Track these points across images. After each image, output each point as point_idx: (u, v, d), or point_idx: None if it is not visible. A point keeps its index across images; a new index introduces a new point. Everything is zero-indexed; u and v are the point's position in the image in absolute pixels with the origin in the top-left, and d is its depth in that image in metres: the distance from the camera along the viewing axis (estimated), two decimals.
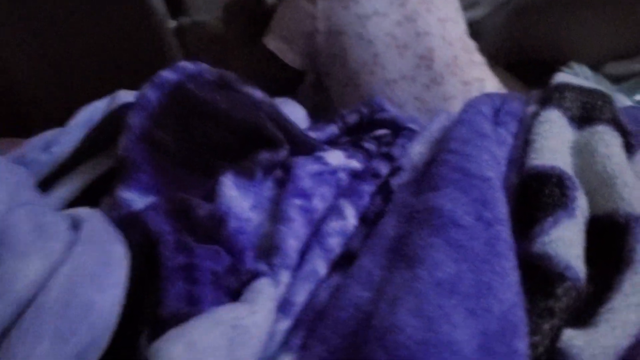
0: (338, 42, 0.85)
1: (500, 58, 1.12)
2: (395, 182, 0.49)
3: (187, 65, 0.53)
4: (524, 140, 0.49)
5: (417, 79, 0.85)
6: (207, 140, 0.51)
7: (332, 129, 0.60)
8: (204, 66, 0.54)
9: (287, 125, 0.54)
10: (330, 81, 0.90)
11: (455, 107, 0.78)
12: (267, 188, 0.49)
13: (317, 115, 0.70)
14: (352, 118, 0.63)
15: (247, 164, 0.48)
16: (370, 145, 0.58)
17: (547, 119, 0.49)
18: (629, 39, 1.15)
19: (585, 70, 1.14)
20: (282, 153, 0.51)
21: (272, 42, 0.90)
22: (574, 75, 1.01)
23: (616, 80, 1.17)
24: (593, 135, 0.48)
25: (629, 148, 0.48)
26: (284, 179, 0.50)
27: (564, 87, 0.53)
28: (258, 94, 0.55)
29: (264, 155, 0.49)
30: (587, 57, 1.17)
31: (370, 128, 0.64)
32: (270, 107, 0.54)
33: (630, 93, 1.10)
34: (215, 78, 0.54)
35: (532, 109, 0.53)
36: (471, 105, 0.53)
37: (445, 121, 0.56)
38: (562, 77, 0.56)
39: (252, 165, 0.48)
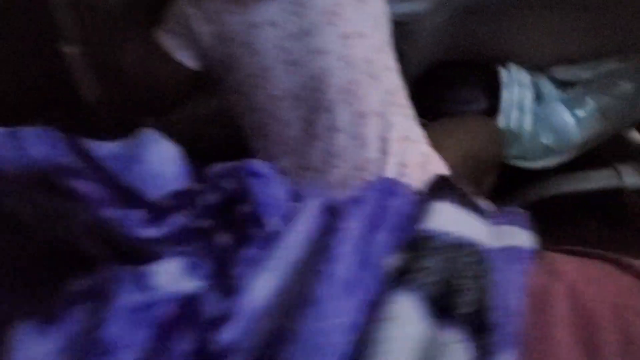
0: (226, 49, 0.77)
1: (439, 55, 1.04)
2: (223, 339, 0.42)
3: None
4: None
5: (305, 101, 0.76)
6: (8, 262, 0.43)
7: (178, 220, 0.52)
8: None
9: (113, 231, 0.46)
10: (222, 87, 0.81)
11: (341, 141, 0.75)
12: (77, 321, 0.43)
13: None
14: (210, 199, 0.55)
15: (48, 305, 0.41)
16: (226, 240, 0.51)
17: (395, 315, 0.43)
18: (575, 44, 1.06)
19: (523, 75, 1.07)
20: (102, 273, 0.44)
21: (164, 37, 0.80)
22: (510, 78, 0.94)
23: (562, 85, 1.09)
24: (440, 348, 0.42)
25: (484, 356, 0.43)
26: (98, 309, 0.43)
27: (425, 250, 0.47)
28: (83, 186, 0.47)
29: (75, 285, 0.42)
30: (532, 60, 1.10)
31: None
32: (94, 212, 0.46)
33: (573, 104, 1.04)
34: (32, 175, 0.45)
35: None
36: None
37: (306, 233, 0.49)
38: (433, 222, 0.50)
39: (54, 307, 0.41)
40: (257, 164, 0.55)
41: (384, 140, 0.76)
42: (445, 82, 1.06)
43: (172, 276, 0.46)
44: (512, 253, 0.50)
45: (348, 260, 0.46)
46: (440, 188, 0.55)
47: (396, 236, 0.49)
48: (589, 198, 1.16)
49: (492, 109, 1.05)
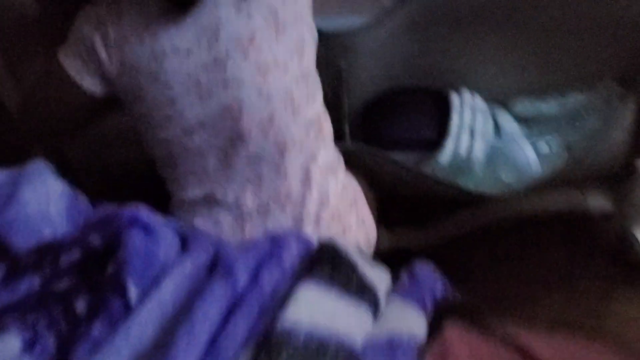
0: (132, 78, 0.71)
1: (387, 79, 0.96)
2: None
3: None
4: None
5: (220, 132, 0.72)
6: None
7: (34, 281, 0.45)
8: None
9: None
10: (131, 116, 0.74)
11: (260, 172, 0.73)
12: None
13: None
14: (74, 255, 0.47)
15: None
16: (81, 307, 0.44)
17: None
18: (537, 74, 0.99)
19: (478, 101, 0.99)
20: None
21: (66, 58, 0.71)
22: (461, 101, 0.87)
23: (524, 120, 1.02)
24: None
25: None
26: None
27: (280, 354, 0.39)
28: None
29: None
30: (490, 90, 1.03)
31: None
32: None
33: (536, 139, 0.97)
34: None
35: None
36: None
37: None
38: (297, 313, 0.43)
39: None
40: (140, 212, 0.48)
41: (306, 171, 0.75)
42: (394, 108, 0.99)
43: (7, 357, 0.39)
44: (393, 347, 0.43)
45: (195, 350, 0.39)
46: (320, 261, 0.48)
47: (256, 324, 0.43)
48: (553, 222, 1.09)
49: (442, 136, 0.97)
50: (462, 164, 0.97)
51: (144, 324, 0.41)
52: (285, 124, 0.72)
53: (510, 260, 1.09)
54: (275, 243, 0.51)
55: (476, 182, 1.01)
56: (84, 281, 0.47)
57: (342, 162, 0.80)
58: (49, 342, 0.41)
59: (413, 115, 0.99)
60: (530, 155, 0.96)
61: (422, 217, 1.13)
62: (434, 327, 0.47)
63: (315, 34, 0.76)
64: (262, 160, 0.73)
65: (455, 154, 0.96)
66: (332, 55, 0.91)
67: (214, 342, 0.41)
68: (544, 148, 0.97)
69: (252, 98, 0.70)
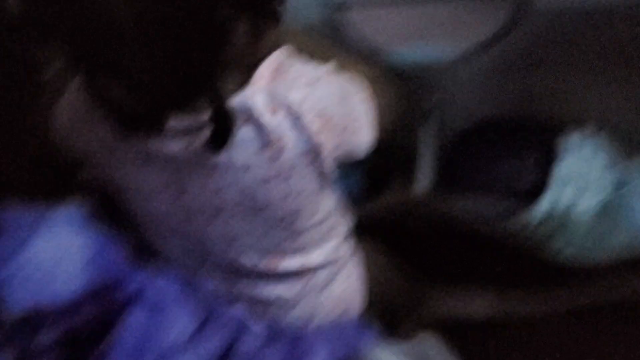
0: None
1: (481, 113, 0.86)
2: None
3: None
4: None
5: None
6: None
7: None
8: None
9: None
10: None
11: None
12: None
13: None
14: (50, 334, 0.43)
15: None
16: None
17: None
18: None
19: (592, 145, 0.85)
20: None
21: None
22: (571, 145, 0.76)
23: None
24: None
25: None
26: None
27: None
28: None
29: None
30: (612, 133, 0.87)
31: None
32: None
33: None
34: None
35: None
36: None
37: None
38: None
39: None
40: (150, 286, 0.44)
41: None
42: (486, 150, 0.87)
43: None
44: None
45: None
46: None
47: None
48: None
49: (544, 184, 0.84)
50: (560, 222, 0.83)
51: None
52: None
53: None
54: (298, 347, 0.44)
55: (577, 244, 0.86)
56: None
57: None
58: None
59: (509, 161, 0.87)
60: None
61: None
62: None
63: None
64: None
65: (552, 210, 0.82)
66: (419, 91, 0.83)
67: None
68: None
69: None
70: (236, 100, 0.50)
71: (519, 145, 0.87)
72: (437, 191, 0.91)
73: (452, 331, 1.01)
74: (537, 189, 0.84)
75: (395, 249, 1.04)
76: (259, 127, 0.50)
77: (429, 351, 0.55)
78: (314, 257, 0.62)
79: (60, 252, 0.46)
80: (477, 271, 1.05)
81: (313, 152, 0.52)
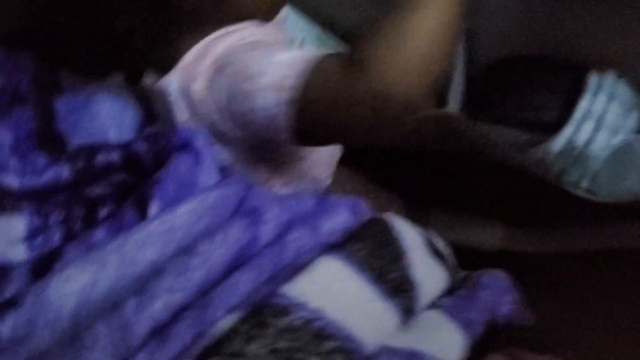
0: None
1: (516, 44, 0.87)
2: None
3: None
4: None
5: None
6: None
7: (56, 172, 0.46)
8: None
9: None
10: None
11: None
12: None
13: None
14: (106, 157, 0.49)
15: None
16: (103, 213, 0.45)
17: None
18: None
19: (621, 88, 0.87)
20: None
21: None
22: (598, 85, 0.78)
23: None
24: None
25: None
26: None
27: (264, 330, 0.35)
28: None
29: None
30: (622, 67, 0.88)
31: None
32: None
33: None
34: None
35: None
36: None
37: None
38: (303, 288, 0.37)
39: None
40: (196, 137, 0.48)
41: None
42: (514, 80, 0.89)
43: (5, 239, 0.42)
44: None
45: (181, 293, 0.38)
46: (359, 237, 0.43)
47: (261, 288, 0.39)
48: None
49: (564, 122, 0.86)
50: (576, 156, 0.86)
51: (141, 244, 0.40)
52: None
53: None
54: (321, 205, 0.48)
55: (593, 180, 0.89)
56: (117, 189, 0.48)
57: None
58: (54, 238, 0.41)
59: (535, 90, 0.89)
60: None
61: (534, 216, 1.04)
62: (477, 353, 0.42)
63: None
64: None
65: (571, 143, 0.85)
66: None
67: (207, 291, 0.38)
68: None
69: None
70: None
71: (546, 80, 0.89)
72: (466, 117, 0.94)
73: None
74: (561, 124, 0.86)
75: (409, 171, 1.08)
76: None
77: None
78: None
79: (115, 109, 0.51)
80: (492, 200, 1.08)
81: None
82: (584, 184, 0.90)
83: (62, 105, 0.52)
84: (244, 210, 0.44)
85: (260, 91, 0.49)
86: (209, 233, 0.41)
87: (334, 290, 0.38)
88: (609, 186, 0.88)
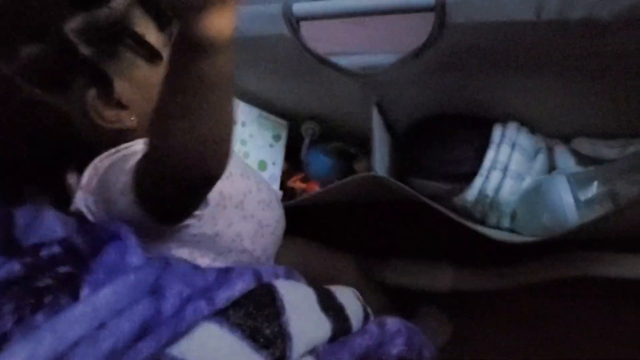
0: None
1: (428, 108, 0.99)
2: None
3: None
4: None
5: None
6: None
7: (9, 268, 0.55)
8: None
9: None
10: None
11: None
12: None
13: None
14: (49, 251, 0.60)
15: None
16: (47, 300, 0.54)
17: None
18: (600, 120, 0.93)
19: (523, 137, 0.97)
20: None
21: None
22: (502, 137, 0.87)
23: (587, 160, 0.97)
24: None
25: None
26: None
27: None
28: None
29: None
30: (544, 127, 0.99)
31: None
32: None
33: (581, 183, 0.92)
34: None
35: None
36: None
37: None
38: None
39: None
40: (123, 229, 0.59)
41: None
42: (436, 139, 0.99)
43: None
44: None
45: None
46: (239, 302, 0.53)
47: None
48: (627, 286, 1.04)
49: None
50: (490, 202, 0.96)
51: (71, 322, 0.48)
52: None
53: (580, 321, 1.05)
54: (221, 278, 0.57)
55: (513, 221, 0.99)
56: (61, 279, 0.59)
57: None
58: (7, 324, 0.48)
59: (451, 145, 0.99)
60: (566, 199, 0.91)
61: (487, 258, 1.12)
62: None
63: None
64: None
65: (482, 192, 0.95)
66: (364, 91, 0.96)
67: (116, 357, 0.47)
68: (585, 194, 0.92)
69: None
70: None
71: (460, 135, 1.00)
72: (393, 174, 1.05)
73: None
74: (476, 173, 0.97)
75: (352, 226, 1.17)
76: None
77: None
78: None
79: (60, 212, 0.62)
80: (435, 245, 1.17)
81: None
82: (505, 224, 0.99)
83: (21, 216, 0.64)
84: (153, 287, 0.54)
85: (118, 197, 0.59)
86: (120, 310, 0.51)
87: (209, 347, 0.48)
88: (528, 225, 0.97)
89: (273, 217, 0.80)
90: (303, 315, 0.55)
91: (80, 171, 0.65)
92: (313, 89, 1.00)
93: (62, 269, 0.58)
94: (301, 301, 0.57)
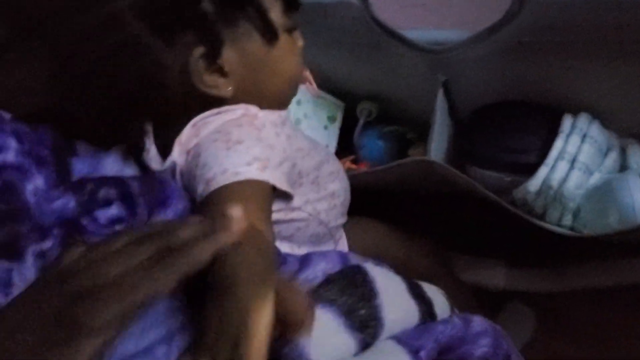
0: None
1: (493, 93, 0.95)
2: None
3: None
4: None
5: None
6: None
7: (64, 202, 0.52)
8: None
9: None
10: None
11: None
12: None
13: None
14: (107, 192, 0.58)
15: None
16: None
17: None
18: None
19: (594, 129, 0.92)
20: None
21: None
22: (572, 127, 0.83)
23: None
24: None
25: None
26: None
27: None
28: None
29: None
30: (618, 122, 0.93)
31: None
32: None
33: None
34: None
35: None
36: None
37: None
38: None
39: None
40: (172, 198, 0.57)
41: None
42: (500, 126, 0.94)
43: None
44: None
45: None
46: (332, 280, 0.49)
47: None
48: None
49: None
50: (553, 195, 0.91)
51: None
52: None
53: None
54: (302, 262, 0.54)
55: (575, 218, 0.93)
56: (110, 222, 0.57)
57: None
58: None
59: (515, 134, 0.94)
60: (638, 199, 0.85)
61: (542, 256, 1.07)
62: None
63: None
64: None
65: (546, 183, 0.90)
66: (431, 69, 0.92)
67: None
68: None
69: None
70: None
71: (525, 124, 0.95)
72: (449, 162, 1.00)
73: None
74: (540, 165, 0.92)
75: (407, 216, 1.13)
76: None
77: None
78: None
79: (118, 168, 0.61)
80: (489, 241, 1.12)
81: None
82: (567, 221, 0.94)
83: (77, 163, 0.62)
84: None
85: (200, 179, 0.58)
86: None
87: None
88: (591, 224, 0.92)
89: (342, 187, 0.78)
90: (395, 302, 0.51)
91: (156, 134, 0.63)
92: (376, 64, 0.96)
93: (118, 227, 0.55)
94: (392, 287, 0.53)
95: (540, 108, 0.95)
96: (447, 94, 0.95)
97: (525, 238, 1.00)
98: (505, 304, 1.13)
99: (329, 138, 1.06)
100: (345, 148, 1.11)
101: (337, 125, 1.07)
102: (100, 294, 0.33)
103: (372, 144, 1.08)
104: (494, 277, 1.13)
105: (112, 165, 0.61)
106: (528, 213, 0.95)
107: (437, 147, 0.94)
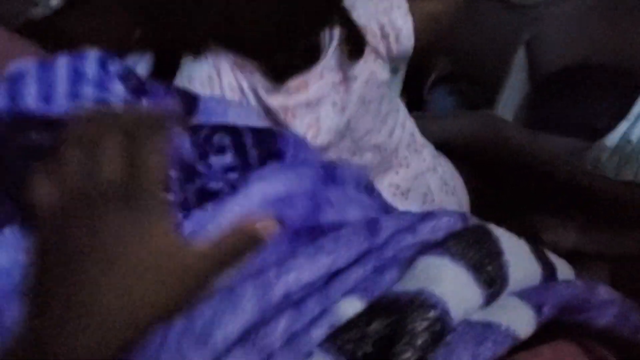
0: None
1: (576, 55, 0.95)
2: None
3: None
4: None
5: None
6: None
7: (184, 143, 0.57)
8: None
9: None
10: None
11: None
12: None
13: None
14: (221, 140, 0.59)
15: None
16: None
17: None
18: None
19: None
20: None
21: None
22: None
23: None
24: None
25: None
26: None
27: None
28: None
29: None
30: None
31: None
32: None
33: None
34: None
35: None
36: None
37: None
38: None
39: None
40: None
41: None
42: (577, 89, 0.95)
43: None
44: (486, 332, 0.43)
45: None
46: (458, 236, 0.50)
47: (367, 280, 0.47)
48: None
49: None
50: (629, 153, 0.91)
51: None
52: None
53: None
54: (424, 216, 0.54)
55: None
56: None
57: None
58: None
59: (596, 100, 0.95)
60: None
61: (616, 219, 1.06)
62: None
63: None
64: None
65: (624, 138, 0.90)
66: (516, 26, 0.92)
67: (329, 278, 0.46)
68: None
69: None
70: None
71: (602, 89, 0.95)
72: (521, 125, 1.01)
73: None
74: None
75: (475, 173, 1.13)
76: None
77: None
78: None
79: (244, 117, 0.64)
80: (557, 204, 1.11)
81: None
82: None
83: (202, 103, 0.65)
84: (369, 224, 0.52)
85: None
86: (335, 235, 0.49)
87: (432, 277, 0.45)
88: None
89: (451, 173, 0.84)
90: (519, 262, 0.51)
91: None
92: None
93: (231, 175, 0.57)
94: (515, 248, 0.52)
95: (619, 73, 0.96)
96: (529, 53, 0.96)
97: (595, 202, 0.99)
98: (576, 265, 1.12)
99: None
100: (411, 102, 1.11)
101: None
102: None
103: (441, 99, 1.08)
104: (564, 237, 1.12)
105: (237, 116, 0.64)
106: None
107: (506, 105, 0.95)
